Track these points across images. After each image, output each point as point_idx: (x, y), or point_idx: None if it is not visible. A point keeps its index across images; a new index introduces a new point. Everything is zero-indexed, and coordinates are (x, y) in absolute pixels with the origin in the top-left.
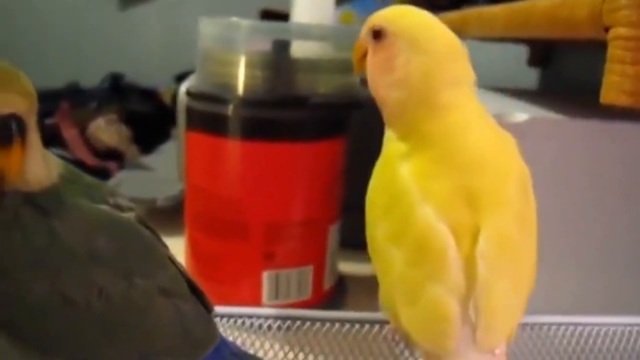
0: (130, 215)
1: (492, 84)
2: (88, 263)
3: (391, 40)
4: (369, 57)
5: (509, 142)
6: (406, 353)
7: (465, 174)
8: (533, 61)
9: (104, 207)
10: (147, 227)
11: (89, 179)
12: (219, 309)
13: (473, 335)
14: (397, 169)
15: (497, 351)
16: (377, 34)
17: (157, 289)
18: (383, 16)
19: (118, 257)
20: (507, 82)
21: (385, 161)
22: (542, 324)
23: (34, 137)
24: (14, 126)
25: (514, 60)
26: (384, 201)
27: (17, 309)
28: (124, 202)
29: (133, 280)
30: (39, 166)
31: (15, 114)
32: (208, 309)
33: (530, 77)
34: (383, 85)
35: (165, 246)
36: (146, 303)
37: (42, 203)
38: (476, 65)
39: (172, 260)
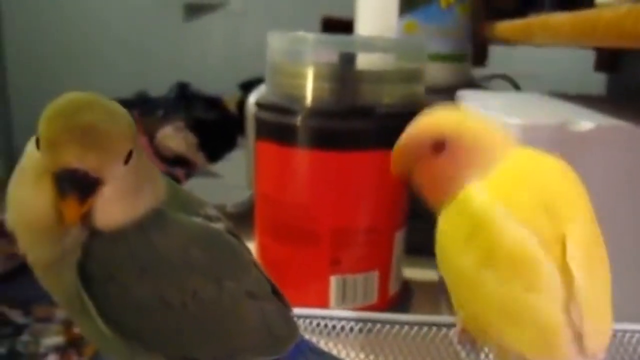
0: (219, 225)
1: (557, 89)
2: (183, 270)
3: (453, 151)
4: (427, 166)
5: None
6: (472, 356)
7: (541, 188)
8: (600, 66)
9: (196, 219)
10: (234, 235)
11: (184, 193)
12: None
13: (578, 342)
14: (471, 198)
15: (600, 356)
16: (440, 146)
17: (244, 291)
18: (442, 126)
19: (209, 264)
20: (573, 88)
21: (451, 211)
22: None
23: (113, 185)
24: (67, 182)
25: (581, 66)
26: (466, 230)
27: (123, 310)
28: (213, 213)
29: (223, 284)
30: (116, 209)
31: (76, 170)
32: (287, 308)
33: (598, 83)
34: (440, 191)
35: (249, 252)
36: (234, 304)
37: (144, 224)
38: (542, 71)
39: (256, 265)
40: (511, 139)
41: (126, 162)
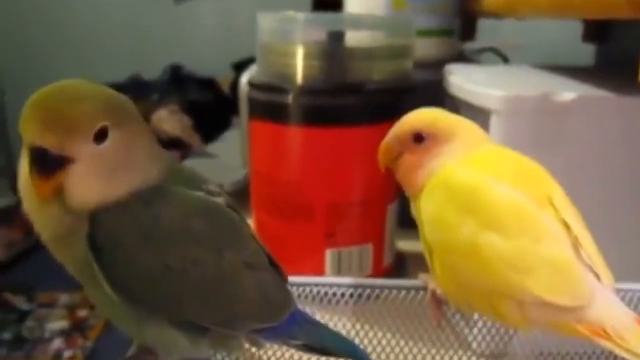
0: (220, 200)
1: (546, 61)
2: (185, 239)
3: (431, 142)
4: (408, 157)
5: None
6: (457, 316)
7: (518, 164)
8: (588, 37)
9: (199, 193)
10: (234, 210)
11: (188, 170)
12: (292, 279)
13: (593, 276)
14: (455, 173)
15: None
16: (419, 138)
17: (243, 262)
18: (421, 121)
19: (210, 234)
20: (562, 59)
21: (434, 187)
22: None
23: (85, 163)
24: (32, 160)
25: (570, 37)
26: (457, 204)
27: (129, 276)
28: (214, 189)
29: (223, 254)
30: (91, 186)
31: (39, 148)
32: (283, 278)
33: (587, 54)
34: (418, 177)
35: (248, 226)
36: (233, 273)
37: (147, 197)
38: (531, 44)
39: (254, 237)
40: (486, 136)
41: (99, 141)
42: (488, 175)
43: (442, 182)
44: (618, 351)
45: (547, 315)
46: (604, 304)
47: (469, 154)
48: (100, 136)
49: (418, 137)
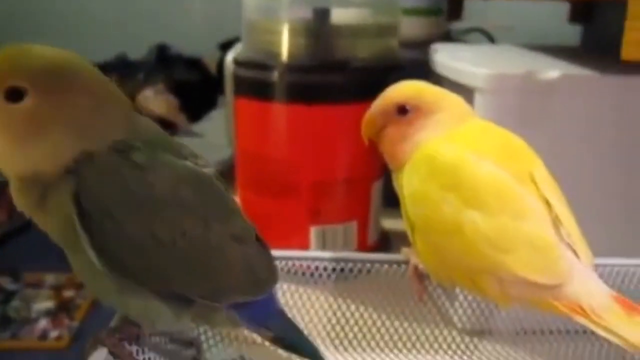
0: (208, 171)
1: (533, 42)
2: (174, 209)
3: (415, 114)
4: (391, 129)
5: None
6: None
7: (502, 140)
8: (574, 18)
9: (188, 163)
10: (222, 183)
11: (176, 141)
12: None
13: (573, 254)
14: (439, 150)
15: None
16: (403, 110)
17: (230, 234)
18: (404, 93)
19: (198, 205)
20: (549, 40)
21: (418, 162)
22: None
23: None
24: None
25: (557, 18)
26: (440, 180)
27: (117, 244)
28: (201, 161)
29: (210, 225)
30: (10, 148)
31: None
32: (269, 253)
33: (574, 34)
34: (401, 151)
35: (234, 200)
36: (220, 245)
37: (138, 160)
38: (518, 24)
39: (240, 212)
40: (471, 110)
41: (11, 100)
42: (472, 151)
43: (426, 157)
44: (594, 328)
45: (526, 292)
46: (581, 282)
47: (454, 128)
48: (12, 95)
49: (402, 109)
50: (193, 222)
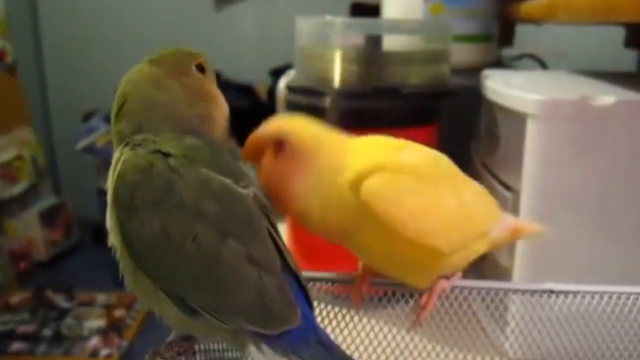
0: (247, 192)
1: (586, 67)
2: (191, 213)
3: (293, 150)
4: (270, 166)
5: None
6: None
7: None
8: (630, 42)
9: (224, 179)
10: (263, 206)
11: (226, 160)
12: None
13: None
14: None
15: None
16: (280, 145)
17: (246, 255)
18: (283, 128)
19: (219, 218)
20: (603, 66)
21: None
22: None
23: None
24: None
25: (611, 43)
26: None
27: (136, 238)
28: (244, 182)
29: (226, 240)
30: None
31: None
32: (303, 288)
33: (630, 60)
34: (302, 190)
35: (274, 226)
36: (232, 262)
37: (172, 164)
38: (571, 50)
39: (274, 239)
40: (349, 137)
41: None
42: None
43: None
44: None
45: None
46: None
47: (348, 156)
48: None
49: (279, 145)
50: (207, 231)
